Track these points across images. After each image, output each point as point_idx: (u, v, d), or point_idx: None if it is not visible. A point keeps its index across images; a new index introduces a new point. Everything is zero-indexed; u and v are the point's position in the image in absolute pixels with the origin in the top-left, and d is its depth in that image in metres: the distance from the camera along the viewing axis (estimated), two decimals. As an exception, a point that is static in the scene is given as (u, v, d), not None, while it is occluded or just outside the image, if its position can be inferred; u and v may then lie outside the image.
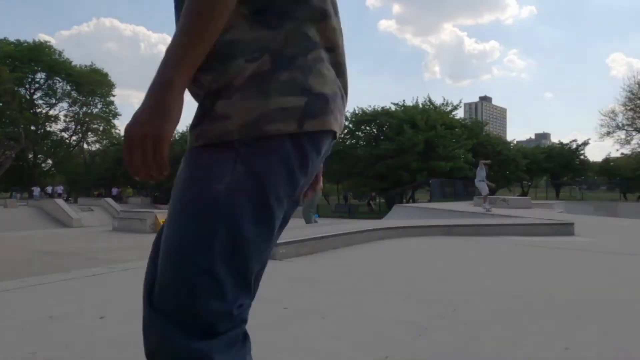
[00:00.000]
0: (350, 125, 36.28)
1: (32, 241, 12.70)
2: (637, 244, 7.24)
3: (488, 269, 4.49)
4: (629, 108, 38.04)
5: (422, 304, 2.96)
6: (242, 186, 0.77)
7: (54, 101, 47.58)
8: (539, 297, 3.19)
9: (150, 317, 0.82)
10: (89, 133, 49.74)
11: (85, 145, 51.45)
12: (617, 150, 48.59)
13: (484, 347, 2.15)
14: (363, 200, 41.85)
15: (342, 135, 36.88)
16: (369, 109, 36.44)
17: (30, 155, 46.38)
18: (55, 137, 49.04)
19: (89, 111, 48.78)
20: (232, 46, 0.79)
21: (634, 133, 38.51)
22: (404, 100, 36.57)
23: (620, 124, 38.79)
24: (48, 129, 47.85)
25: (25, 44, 44.89)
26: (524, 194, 40.84)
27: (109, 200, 31.40)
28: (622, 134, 38.88)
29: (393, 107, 36.48)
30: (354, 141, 37.17)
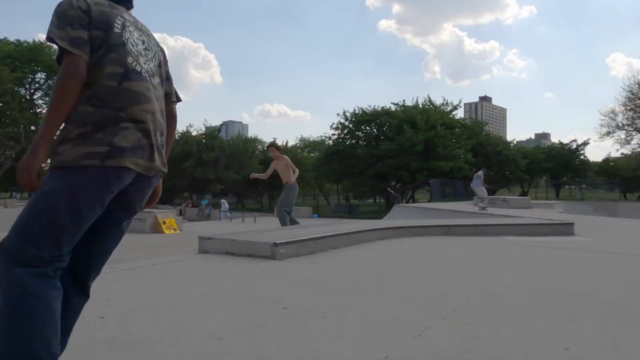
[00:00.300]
0: (350, 125, 36.26)
1: (32, 241, 12.71)
2: (637, 244, 7.24)
3: (488, 269, 4.50)
4: (629, 108, 38.02)
5: (422, 304, 2.96)
6: (63, 188, 1.40)
7: (53, 101, 47.59)
8: (539, 297, 3.19)
9: None
10: (89, 133, 49.80)
11: (85, 145, 51.53)
12: (617, 150, 48.47)
13: (484, 347, 2.15)
14: (363, 200, 41.86)
15: (342, 135, 36.99)
16: (369, 109, 36.42)
17: (30, 155, 46.38)
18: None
19: (89, 111, 48.82)
20: (70, 116, 1.43)
21: (634, 133, 38.49)
22: (404, 100, 36.58)
23: (620, 124, 38.78)
24: (48, 129, 47.86)
25: (25, 44, 44.89)
26: (524, 194, 40.84)
27: (109, 200, 31.37)
28: (622, 134, 38.87)
29: (393, 107, 36.46)
30: (354, 141, 37.14)
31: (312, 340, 2.24)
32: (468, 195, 19.75)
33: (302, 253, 4.84)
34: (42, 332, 1.32)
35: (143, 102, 1.52)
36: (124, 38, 1.53)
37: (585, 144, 44.66)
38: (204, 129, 43.32)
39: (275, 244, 4.60)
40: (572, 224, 7.74)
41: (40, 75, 46.55)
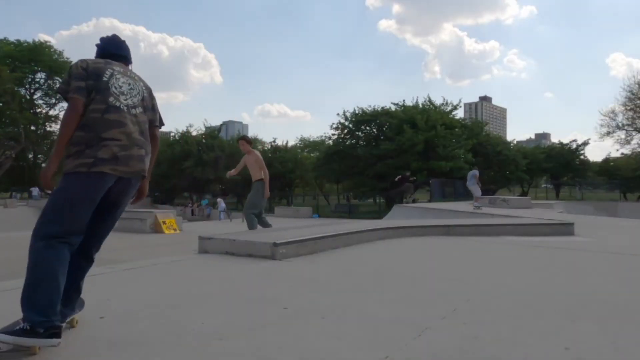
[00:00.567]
0: (350, 125, 36.25)
1: (32, 241, 12.71)
2: (637, 244, 7.24)
3: (488, 269, 4.49)
4: (629, 108, 38.03)
5: (422, 304, 2.96)
6: (66, 188, 2.08)
7: (54, 101, 47.55)
8: (539, 297, 3.19)
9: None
10: (89, 133, 49.77)
11: (85, 146, 51.51)
12: (617, 150, 48.48)
13: (484, 347, 2.15)
14: (363, 200, 41.84)
15: (342, 135, 37.00)
16: (369, 109, 36.42)
17: (30, 155, 46.40)
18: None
19: (89, 111, 48.79)
20: (71, 139, 2.10)
21: (634, 133, 38.51)
22: (404, 100, 36.58)
23: (620, 124, 38.80)
24: (48, 129, 47.83)
25: (25, 44, 44.89)
26: (524, 194, 40.83)
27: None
28: (622, 134, 38.89)
29: (393, 107, 36.47)
30: (354, 141, 37.13)
31: (312, 340, 2.24)
32: (468, 195, 19.77)
33: (302, 253, 4.84)
34: (53, 281, 2.01)
35: (118, 127, 2.18)
36: (109, 84, 2.22)
37: (585, 144, 44.71)
38: (204, 129, 43.38)
39: (275, 244, 4.60)
40: (572, 224, 7.74)
41: (40, 75, 46.56)
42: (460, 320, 2.59)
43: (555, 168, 43.58)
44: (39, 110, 47.26)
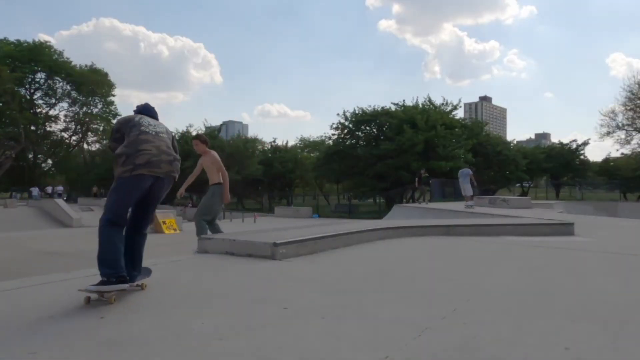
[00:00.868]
0: (350, 125, 36.25)
1: (32, 241, 12.70)
2: (637, 244, 7.24)
3: (488, 269, 4.50)
4: (629, 108, 38.00)
5: (422, 304, 2.96)
6: (116, 187, 3.06)
7: (54, 101, 47.60)
8: (539, 297, 3.19)
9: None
10: (89, 133, 49.71)
11: (85, 145, 51.44)
12: (617, 150, 48.44)
13: (484, 347, 2.15)
14: (363, 200, 41.83)
15: (342, 135, 37.00)
16: (369, 109, 36.41)
17: (30, 155, 46.39)
18: (55, 137, 49.04)
19: (89, 111, 48.76)
20: (119, 155, 3.08)
21: (634, 133, 38.48)
22: (404, 100, 36.55)
23: (620, 124, 38.76)
24: (48, 129, 47.86)
25: (25, 44, 44.88)
26: (524, 194, 40.83)
27: (109, 200, 31.37)
28: (622, 134, 38.85)
29: (393, 107, 36.44)
30: (354, 141, 37.12)
31: (312, 340, 2.24)
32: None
33: (302, 253, 4.84)
34: (114, 245, 2.95)
35: (149, 142, 3.13)
36: (140, 122, 3.25)
37: (585, 144, 44.73)
38: (204, 129, 43.33)
39: (275, 244, 4.60)
40: (572, 224, 7.75)
41: (40, 75, 46.54)
42: (460, 320, 2.59)
43: (555, 168, 43.58)
44: (39, 110, 47.25)
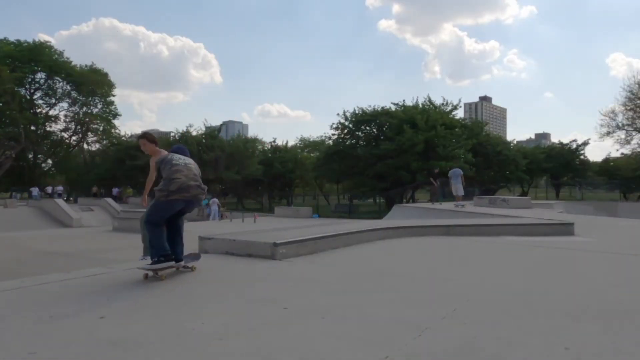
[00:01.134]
0: (350, 126, 36.25)
1: (32, 241, 12.69)
2: (637, 244, 7.24)
3: (488, 269, 4.50)
4: (629, 108, 37.98)
5: (422, 304, 2.96)
6: (155, 205, 3.97)
7: (54, 101, 47.53)
8: (539, 297, 3.19)
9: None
10: (89, 133, 49.65)
11: (85, 145, 51.37)
12: (617, 150, 48.40)
13: (484, 347, 2.15)
14: (363, 200, 41.83)
15: (342, 135, 36.99)
16: (369, 109, 36.40)
17: (30, 155, 46.35)
18: (55, 137, 48.98)
19: (89, 111, 48.70)
20: (157, 184, 4.08)
21: (634, 133, 38.44)
22: (404, 100, 36.51)
23: (620, 124, 38.72)
24: (48, 129, 47.78)
25: (25, 44, 44.82)
26: (524, 194, 40.83)
27: (109, 200, 31.39)
28: (622, 134, 38.80)
29: (393, 107, 36.42)
30: (354, 141, 37.11)
31: (312, 340, 2.24)
32: (468, 195, 19.75)
33: (302, 253, 4.84)
34: (163, 242, 3.88)
35: (180, 172, 3.94)
36: (172, 158, 4.06)
37: (585, 144, 44.71)
38: (204, 129, 43.32)
39: (275, 244, 4.60)
40: (572, 224, 7.75)
41: (40, 75, 46.45)
42: (460, 320, 2.59)
43: (555, 168, 43.57)
44: (39, 110, 47.19)
